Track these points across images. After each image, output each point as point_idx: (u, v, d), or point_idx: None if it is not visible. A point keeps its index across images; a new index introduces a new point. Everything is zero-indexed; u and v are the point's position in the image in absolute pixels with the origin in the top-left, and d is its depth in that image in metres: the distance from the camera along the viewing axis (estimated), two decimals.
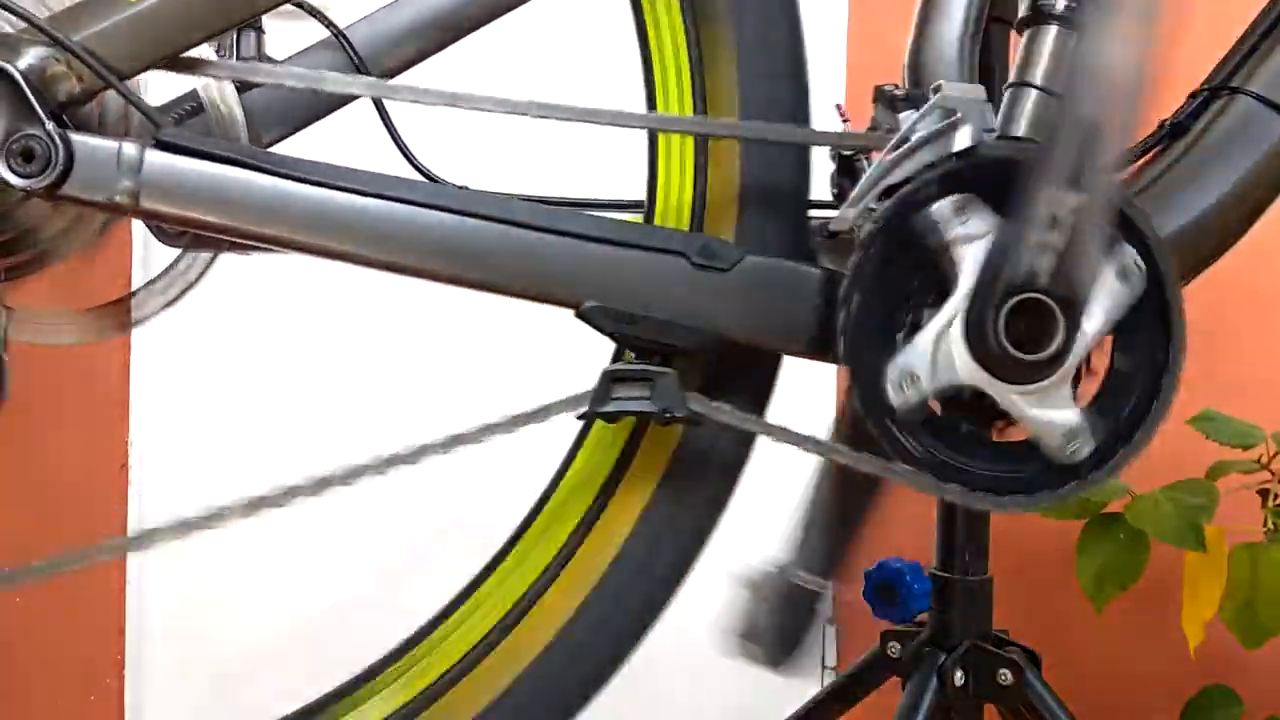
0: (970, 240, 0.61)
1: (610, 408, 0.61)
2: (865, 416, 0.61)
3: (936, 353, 0.61)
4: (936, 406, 0.63)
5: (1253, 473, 1.27)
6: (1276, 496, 1.27)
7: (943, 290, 0.61)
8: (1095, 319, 0.61)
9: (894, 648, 1.18)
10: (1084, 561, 1.25)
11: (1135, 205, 0.63)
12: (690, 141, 0.67)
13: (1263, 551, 1.22)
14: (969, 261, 0.60)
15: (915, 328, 0.62)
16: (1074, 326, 0.60)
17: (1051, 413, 0.62)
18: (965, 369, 0.60)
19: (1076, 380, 0.63)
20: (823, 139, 0.67)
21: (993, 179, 0.61)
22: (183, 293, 0.75)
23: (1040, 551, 1.43)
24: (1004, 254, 0.59)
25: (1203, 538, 1.19)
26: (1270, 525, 1.26)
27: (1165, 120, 0.77)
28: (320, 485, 0.60)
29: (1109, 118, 0.59)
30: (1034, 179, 0.59)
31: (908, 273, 0.61)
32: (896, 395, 0.61)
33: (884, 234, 0.61)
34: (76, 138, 0.56)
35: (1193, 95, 0.77)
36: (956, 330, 0.60)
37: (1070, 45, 0.71)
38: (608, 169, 0.89)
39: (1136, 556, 1.24)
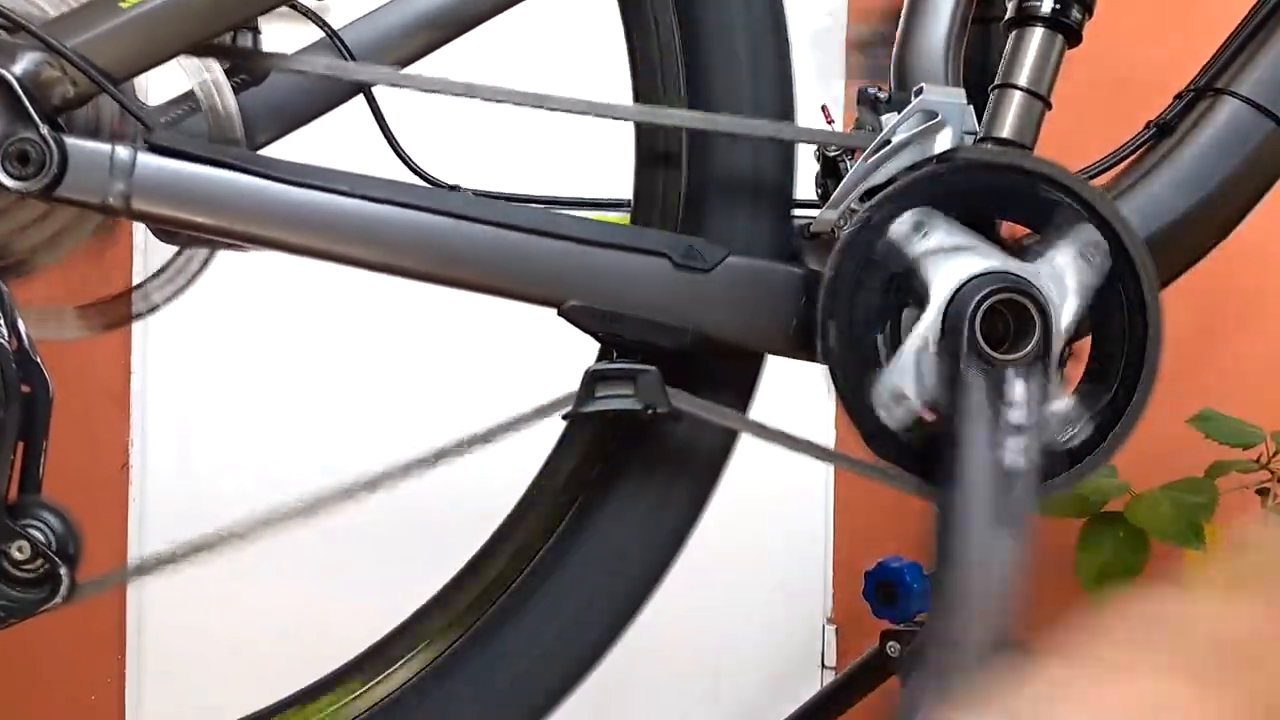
0: (935, 253, 0.61)
1: (594, 406, 0.62)
2: (863, 440, 0.62)
3: (920, 367, 0.61)
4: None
5: (1252, 472, 1.27)
6: (1276, 495, 1.27)
7: (920, 292, 0.62)
8: (1069, 313, 0.62)
9: (894, 648, 1.19)
10: (1084, 560, 1.26)
11: (1115, 209, 0.63)
12: (675, 139, 0.67)
13: None
14: (937, 276, 0.61)
15: (896, 329, 0.62)
16: (1049, 323, 0.60)
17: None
18: (949, 378, 0.61)
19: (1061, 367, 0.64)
20: (808, 136, 0.68)
21: (955, 189, 0.62)
22: (183, 288, 0.77)
23: (1040, 551, 1.43)
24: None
25: (1203, 536, 1.19)
26: None
27: (1152, 121, 0.77)
28: (315, 506, 0.61)
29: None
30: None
31: (884, 281, 0.62)
32: (888, 415, 0.62)
33: (851, 253, 0.61)
34: (70, 141, 0.57)
35: (1179, 96, 0.77)
36: (935, 336, 0.61)
37: (1056, 48, 0.72)
38: (597, 167, 0.90)
39: (1137, 555, 1.24)
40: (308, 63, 0.67)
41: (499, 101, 0.63)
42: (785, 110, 0.68)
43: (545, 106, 0.64)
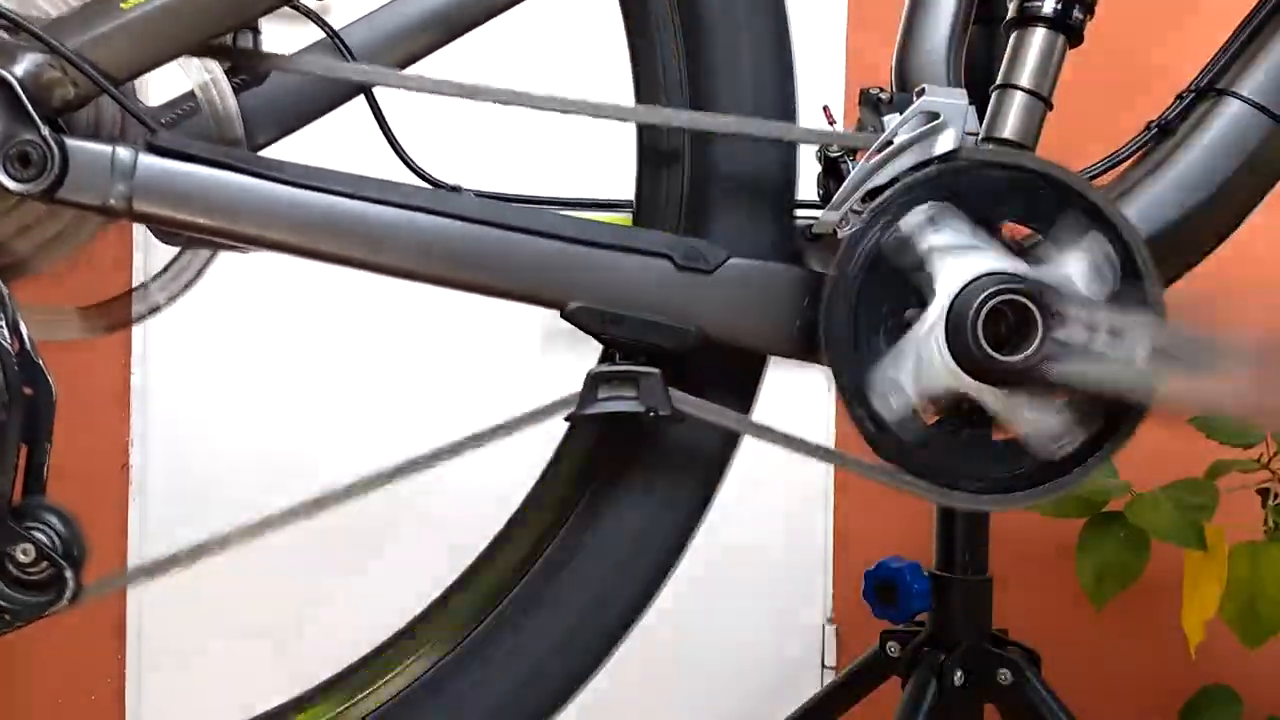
0: (945, 250, 0.61)
1: (597, 408, 0.62)
2: (857, 428, 0.62)
3: (919, 360, 0.62)
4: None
5: (1253, 472, 1.26)
6: (1276, 495, 1.27)
7: (923, 294, 0.62)
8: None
9: (894, 648, 1.19)
10: (1084, 560, 1.26)
11: (1118, 211, 0.63)
12: (677, 140, 0.67)
13: (1263, 550, 1.22)
14: (945, 270, 0.61)
15: (899, 330, 0.62)
16: (1051, 328, 0.61)
17: (1037, 412, 0.62)
18: (948, 375, 0.61)
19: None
20: (809, 137, 0.68)
21: (967, 186, 0.62)
22: (184, 289, 0.77)
23: (1040, 551, 1.44)
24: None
25: (1203, 536, 1.19)
26: (1270, 524, 1.26)
27: (1153, 121, 0.77)
28: (316, 505, 0.61)
29: None
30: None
31: (888, 282, 0.62)
32: (883, 406, 0.62)
33: (860, 249, 0.62)
34: (71, 143, 0.57)
35: (1180, 96, 0.77)
36: (938, 337, 0.61)
37: (1057, 48, 0.72)
38: (599, 168, 0.90)
39: (1137, 556, 1.24)
40: (308, 63, 0.67)
41: (500, 103, 0.63)
42: (787, 111, 0.68)
43: (546, 108, 0.64)
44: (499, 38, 0.80)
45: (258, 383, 1.62)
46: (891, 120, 0.65)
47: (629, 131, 0.70)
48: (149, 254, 1.51)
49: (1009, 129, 0.70)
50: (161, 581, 0.63)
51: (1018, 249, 0.64)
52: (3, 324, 0.56)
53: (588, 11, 0.91)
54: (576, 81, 0.71)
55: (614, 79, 0.73)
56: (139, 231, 1.49)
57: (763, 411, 0.68)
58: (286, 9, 0.66)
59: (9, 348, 0.55)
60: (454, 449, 0.62)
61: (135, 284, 0.77)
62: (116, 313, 0.76)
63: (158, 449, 1.63)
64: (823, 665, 1.66)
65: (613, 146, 0.78)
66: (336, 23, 0.75)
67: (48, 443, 0.57)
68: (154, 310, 0.75)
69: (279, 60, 0.66)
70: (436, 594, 0.70)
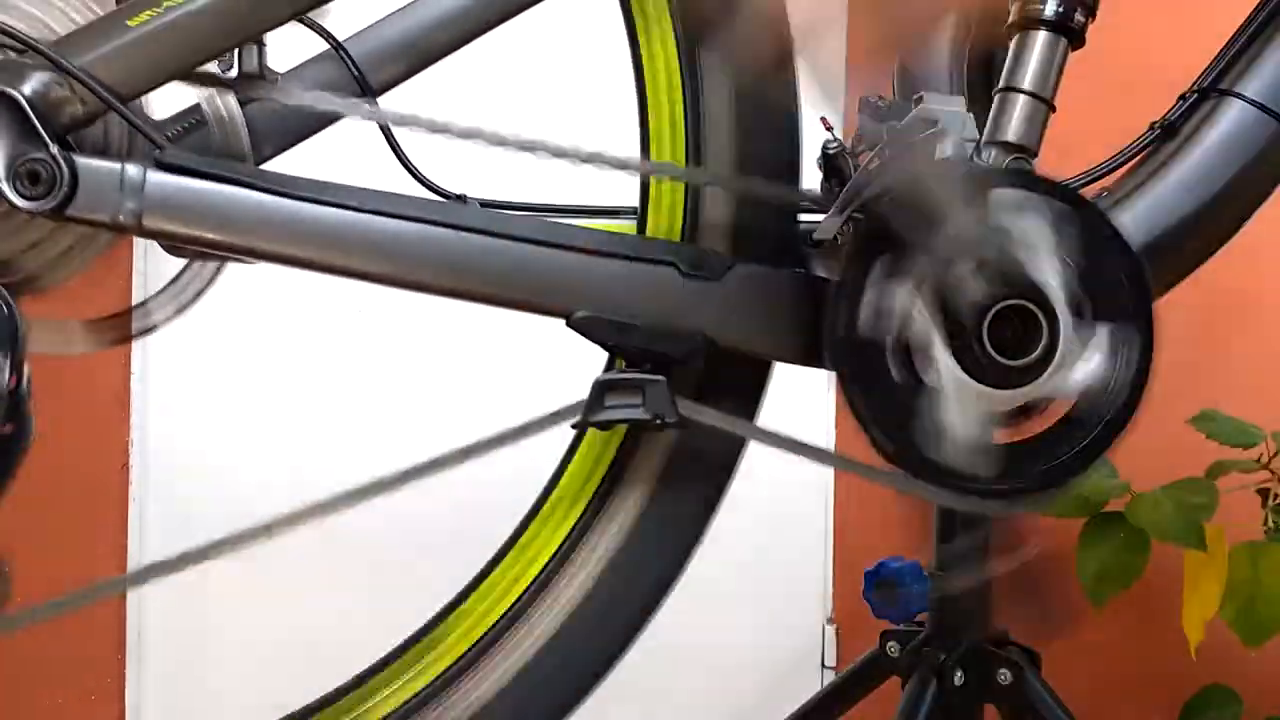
0: (906, 320, 0.61)
1: (603, 416, 0.62)
2: (873, 447, 0.62)
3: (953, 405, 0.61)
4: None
5: (1253, 472, 1.26)
6: (1276, 496, 1.27)
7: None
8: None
9: (894, 648, 1.19)
10: (1084, 560, 1.26)
11: (1106, 214, 0.64)
12: (681, 148, 0.68)
13: (1263, 550, 1.22)
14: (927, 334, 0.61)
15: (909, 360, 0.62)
16: (1054, 319, 0.61)
17: (1081, 369, 0.62)
18: (983, 400, 0.61)
19: None
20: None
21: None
22: (189, 303, 0.77)
23: (1040, 550, 1.44)
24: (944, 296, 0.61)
25: (1203, 537, 1.19)
26: (1270, 524, 1.26)
27: (1155, 122, 0.77)
28: (317, 511, 0.61)
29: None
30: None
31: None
32: (869, 323, 0.62)
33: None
34: (80, 160, 0.58)
35: (1182, 97, 0.77)
36: (955, 382, 0.61)
37: (1059, 51, 0.72)
38: (603, 175, 0.90)
39: (1137, 556, 1.24)
40: (315, 97, 0.67)
41: (498, 145, 0.64)
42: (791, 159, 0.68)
43: (545, 152, 0.64)
44: (504, 46, 0.80)
45: (258, 384, 1.62)
46: (891, 127, 0.65)
47: (633, 137, 0.70)
48: (150, 266, 1.51)
49: (1011, 132, 0.71)
50: (164, 582, 0.63)
51: None
52: (7, 361, 0.55)
53: (593, 17, 0.91)
54: (574, 79, 0.71)
55: (612, 75, 0.72)
56: (139, 244, 1.49)
57: (762, 412, 0.68)
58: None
59: (4, 383, 0.55)
60: (460, 456, 0.62)
61: (138, 297, 0.77)
62: (121, 326, 0.76)
63: (158, 449, 1.63)
64: (823, 665, 1.66)
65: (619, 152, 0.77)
66: (335, 21, 0.75)
67: (7, 481, 0.56)
68: (160, 323, 0.76)
69: (284, 92, 0.66)
70: (443, 604, 0.70)
